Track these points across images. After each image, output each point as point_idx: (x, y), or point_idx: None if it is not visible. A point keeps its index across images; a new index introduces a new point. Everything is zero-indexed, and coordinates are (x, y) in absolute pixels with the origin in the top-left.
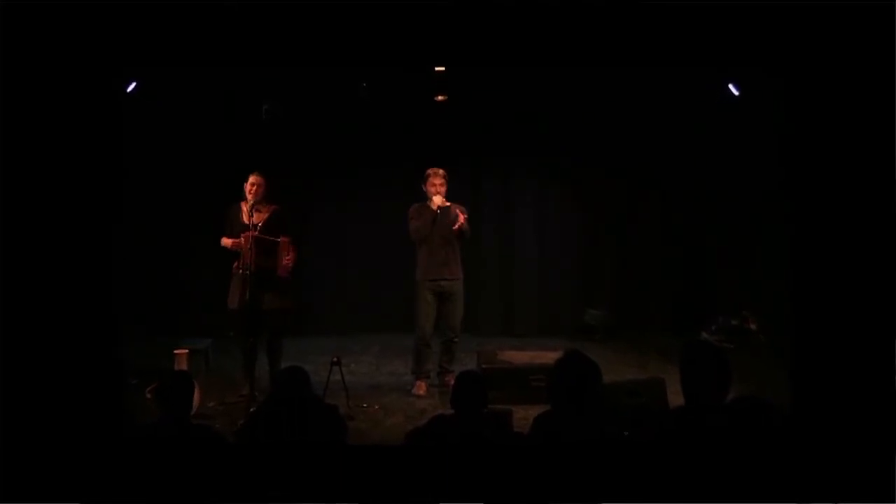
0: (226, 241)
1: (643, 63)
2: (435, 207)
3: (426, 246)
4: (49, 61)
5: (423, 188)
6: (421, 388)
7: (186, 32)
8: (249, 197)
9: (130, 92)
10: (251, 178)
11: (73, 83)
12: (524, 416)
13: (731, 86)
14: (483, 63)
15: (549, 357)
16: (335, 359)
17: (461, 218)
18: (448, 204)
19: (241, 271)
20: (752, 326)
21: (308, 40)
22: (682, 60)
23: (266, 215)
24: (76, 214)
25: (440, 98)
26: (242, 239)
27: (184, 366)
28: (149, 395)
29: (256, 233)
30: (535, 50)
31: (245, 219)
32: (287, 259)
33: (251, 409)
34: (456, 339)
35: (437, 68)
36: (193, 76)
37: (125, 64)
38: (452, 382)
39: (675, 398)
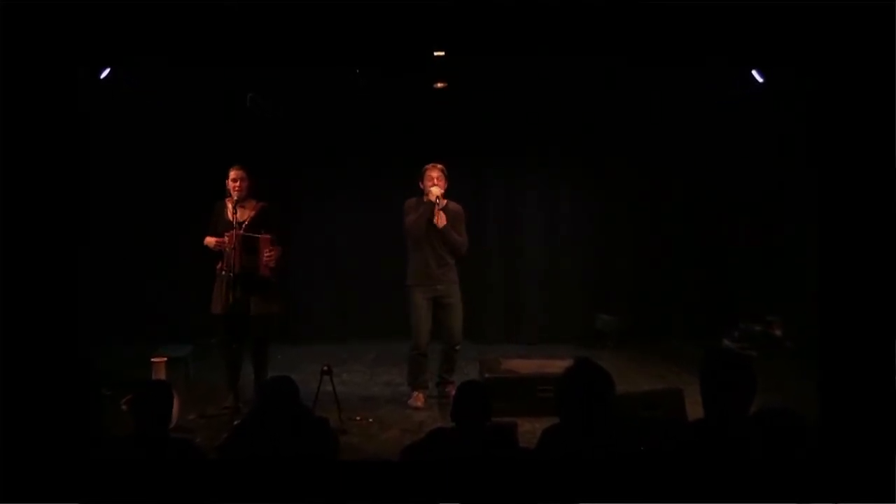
0: (209, 241)
1: (658, 61)
2: (433, 198)
3: (418, 246)
4: (12, 52)
5: (420, 185)
6: (418, 399)
7: (164, 29)
8: (234, 193)
9: (104, 79)
10: (231, 173)
11: (37, 74)
12: (530, 429)
13: (754, 72)
14: (486, 52)
15: (558, 366)
16: (326, 368)
17: (440, 217)
18: (445, 201)
19: (224, 273)
20: (778, 332)
21: (292, 34)
22: (698, 57)
23: (252, 213)
24: (37, 208)
25: (440, 85)
26: (227, 238)
27: (162, 375)
28: (124, 407)
29: (242, 231)
30: (542, 37)
31: (230, 216)
32: (267, 256)
33: (235, 423)
34: (458, 348)
35: (436, 53)
36: (172, 61)
37: (97, 58)
38: (453, 393)
39: (694, 410)
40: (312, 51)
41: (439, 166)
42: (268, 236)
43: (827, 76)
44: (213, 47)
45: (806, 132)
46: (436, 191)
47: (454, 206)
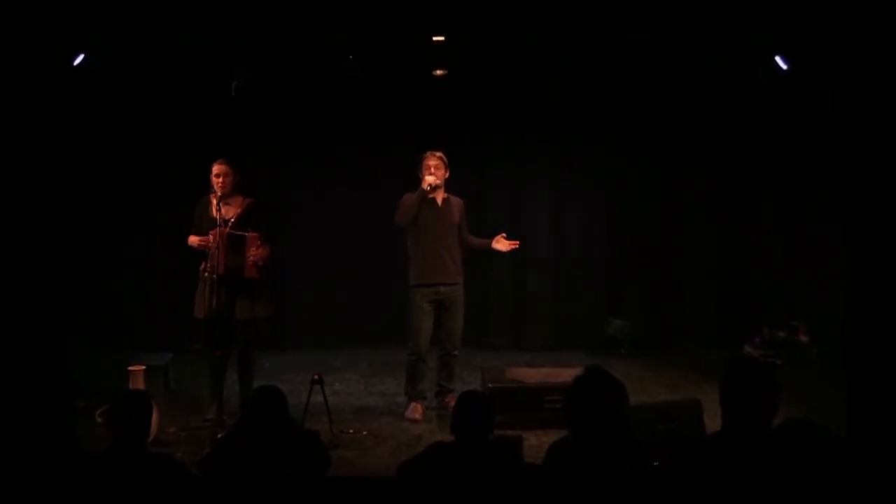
0: (192, 240)
1: (683, 28)
2: (426, 186)
3: (420, 244)
4: None
5: (419, 175)
6: (416, 410)
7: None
8: (217, 189)
9: (77, 66)
10: (215, 168)
11: (9, 55)
12: (537, 443)
13: (778, 59)
14: (488, 33)
15: (566, 375)
16: (316, 376)
17: (508, 244)
18: (439, 182)
19: (208, 274)
20: (803, 339)
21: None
22: (725, 26)
23: (239, 210)
24: (3, 205)
25: (439, 73)
26: (211, 237)
27: (140, 384)
28: (99, 419)
29: (227, 229)
30: (549, 15)
31: (214, 213)
32: (254, 255)
33: (218, 436)
34: (455, 354)
35: (435, 38)
36: (150, 45)
37: (70, 35)
38: (453, 404)
39: (714, 423)
40: (293, 15)
41: (437, 154)
42: (255, 234)
43: (862, 56)
44: (183, 16)
45: (835, 124)
46: (430, 179)
47: (456, 200)
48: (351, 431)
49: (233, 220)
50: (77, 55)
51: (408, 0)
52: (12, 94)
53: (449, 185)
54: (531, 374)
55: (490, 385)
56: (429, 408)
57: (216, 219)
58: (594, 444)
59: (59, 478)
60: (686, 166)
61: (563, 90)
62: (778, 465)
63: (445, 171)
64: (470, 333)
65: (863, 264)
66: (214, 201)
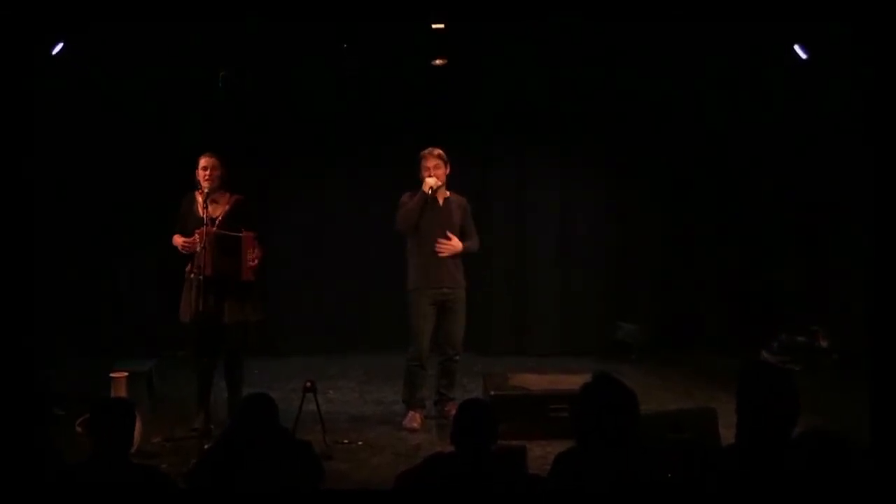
0: (177, 240)
1: (695, 16)
2: (427, 189)
3: (422, 246)
4: None
5: (419, 177)
6: (415, 419)
7: None
8: (204, 184)
9: (56, 54)
10: (202, 161)
11: None
12: (541, 454)
13: (797, 47)
14: (490, 17)
15: (573, 382)
16: (309, 384)
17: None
18: (440, 183)
19: (194, 276)
20: (823, 344)
21: None
22: (740, 13)
23: (226, 207)
24: None
25: (439, 62)
26: (197, 236)
27: (122, 392)
28: (79, 429)
29: (215, 228)
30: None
31: (200, 211)
32: (252, 258)
33: (205, 446)
34: (457, 358)
35: (434, 25)
36: (131, 33)
37: (46, 24)
38: (453, 413)
39: (729, 432)
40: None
41: (437, 152)
42: (250, 234)
43: (886, 48)
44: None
45: (859, 120)
46: (430, 181)
47: (458, 199)
48: (345, 442)
49: (220, 218)
50: (56, 44)
51: None
52: None
53: (450, 183)
54: (536, 381)
55: (492, 392)
56: (428, 416)
57: (202, 217)
58: (602, 454)
59: (36, 491)
60: (699, 163)
61: (569, 81)
62: (796, 476)
63: (446, 168)
64: (471, 338)
65: (885, 266)
66: (200, 199)
